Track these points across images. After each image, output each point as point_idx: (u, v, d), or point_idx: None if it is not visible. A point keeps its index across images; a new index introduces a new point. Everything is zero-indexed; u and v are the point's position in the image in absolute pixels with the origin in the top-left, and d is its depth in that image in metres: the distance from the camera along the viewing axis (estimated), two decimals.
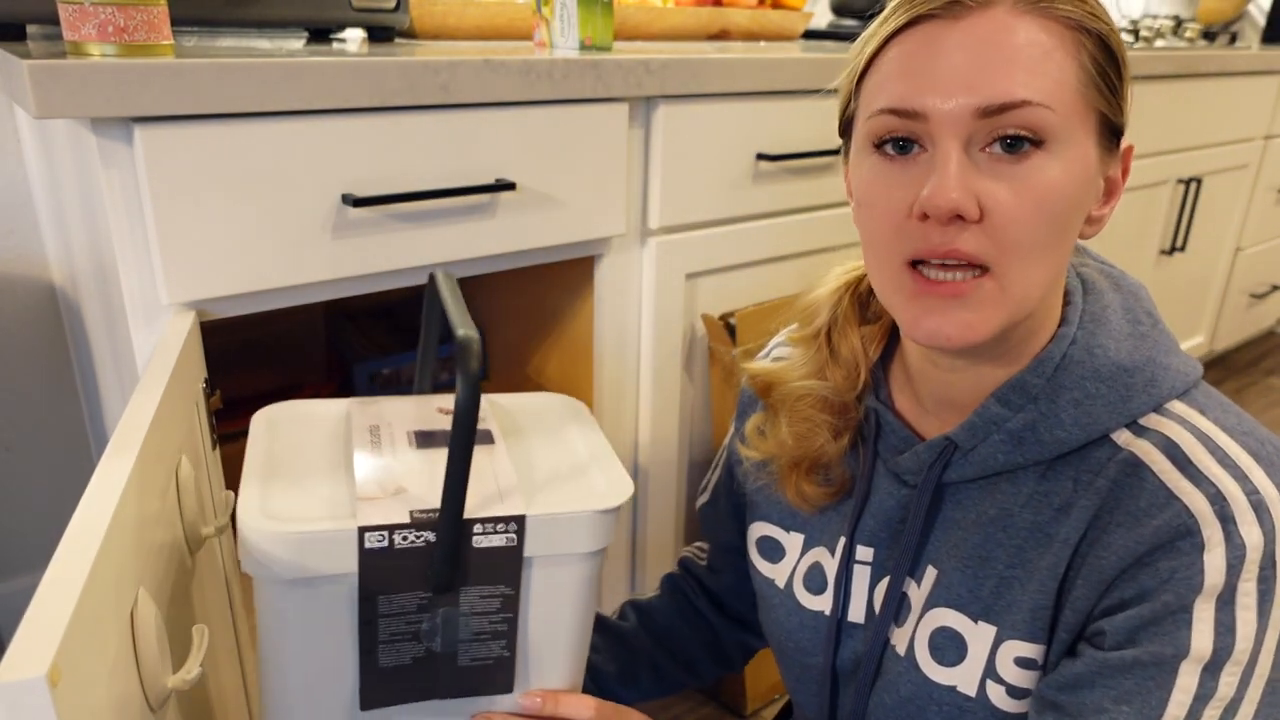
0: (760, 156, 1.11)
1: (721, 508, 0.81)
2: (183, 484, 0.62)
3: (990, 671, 0.57)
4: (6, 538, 1.27)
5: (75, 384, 1.27)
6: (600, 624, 0.83)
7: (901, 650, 0.62)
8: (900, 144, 0.51)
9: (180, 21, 0.89)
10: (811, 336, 0.66)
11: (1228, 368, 2.46)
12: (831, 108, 1.26)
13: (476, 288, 1.37)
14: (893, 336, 0.66)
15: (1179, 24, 2.22)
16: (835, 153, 1.18)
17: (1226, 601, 0.49)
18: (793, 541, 0.70)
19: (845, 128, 0.58)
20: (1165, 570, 0.50)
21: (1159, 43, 2.11)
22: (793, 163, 1.15)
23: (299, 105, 0.76)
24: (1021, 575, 0.56)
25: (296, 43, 1.01)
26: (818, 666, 0.68)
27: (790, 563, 0.70)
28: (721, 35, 1.48)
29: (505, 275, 1.25)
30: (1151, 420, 0.54)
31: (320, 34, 1.09)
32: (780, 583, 0.70)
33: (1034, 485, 0.56)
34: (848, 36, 1.72)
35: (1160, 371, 0.55)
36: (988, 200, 0.49)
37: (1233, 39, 2.41)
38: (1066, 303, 0.58)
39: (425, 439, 0.62)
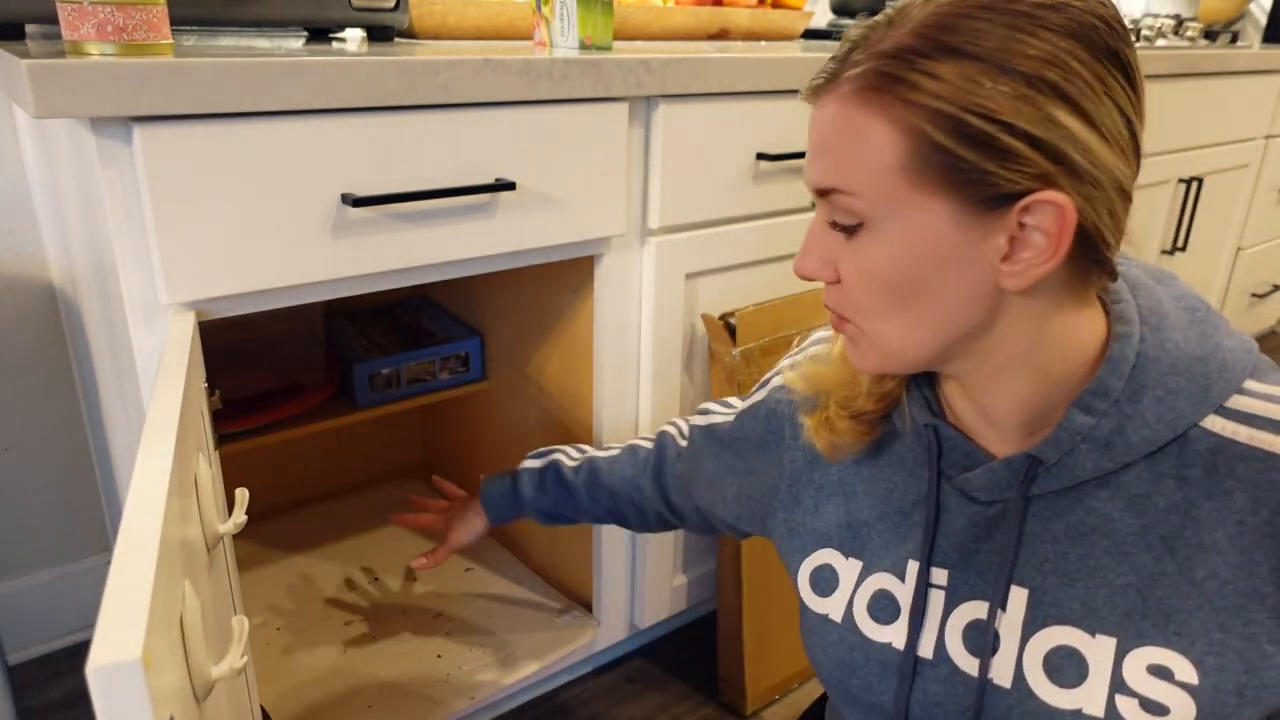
0: (760, 156, 1.11)
1: (707, 455, 0.84)
2: (200, 482, 0.63)
3: (1118, 685, 0.55)
4: (6, 538, 1.27)
5: (74, 384, 1.27)
6: (557, 472, 0.97)
7: (1006, 682, 0.59)
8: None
9: (179, 21, 0.89)
10: None
11: None
12: None
13: (477, 288, 1.37)
14: None
15: (1180, 23, 2.22)
16: None
17: None
18: (849, 569, 0.68)
19: None
20: None
21: (1160, 42, 2.11)
22: (793, 163, 1.15)
23: (299, 105, 0.76)
24: (1138, 582, 0.55)
25: (296, 42, 1.01)
26: (886, 707, 0.65)
27: (845, 592, 0.67)
28: (721, 35, 1.48)
29: (505, 275, 1.25)
30: (1242, 403, 0.54)
31: (320, 34, 1.09)
32: (837, 616, 0.67)
33: (1133, 488, 0.56)
34: None
35: (1229, 355, 0.56)
36: (839, 270, 0.56)
37: (1234, 38, 2.40)
38: (1116, 302, 0.57)
39: None
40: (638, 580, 1.23)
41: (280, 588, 1.31)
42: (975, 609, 0.61)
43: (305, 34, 1.12)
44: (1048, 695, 0.57)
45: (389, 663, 1.15)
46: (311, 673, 1.13)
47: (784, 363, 0.78)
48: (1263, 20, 2.40)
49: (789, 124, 1.13)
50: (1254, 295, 2.38)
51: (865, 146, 0.51)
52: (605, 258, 1.05)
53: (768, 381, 0.79)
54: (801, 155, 1.13)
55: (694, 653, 1.36)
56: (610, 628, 1.24)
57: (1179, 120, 1.82)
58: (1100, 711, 0.55)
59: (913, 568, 0.64)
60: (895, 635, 0.64)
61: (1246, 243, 2.24)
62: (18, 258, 1.19)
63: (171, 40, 0.74)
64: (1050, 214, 0.50)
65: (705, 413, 0.89)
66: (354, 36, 1.12)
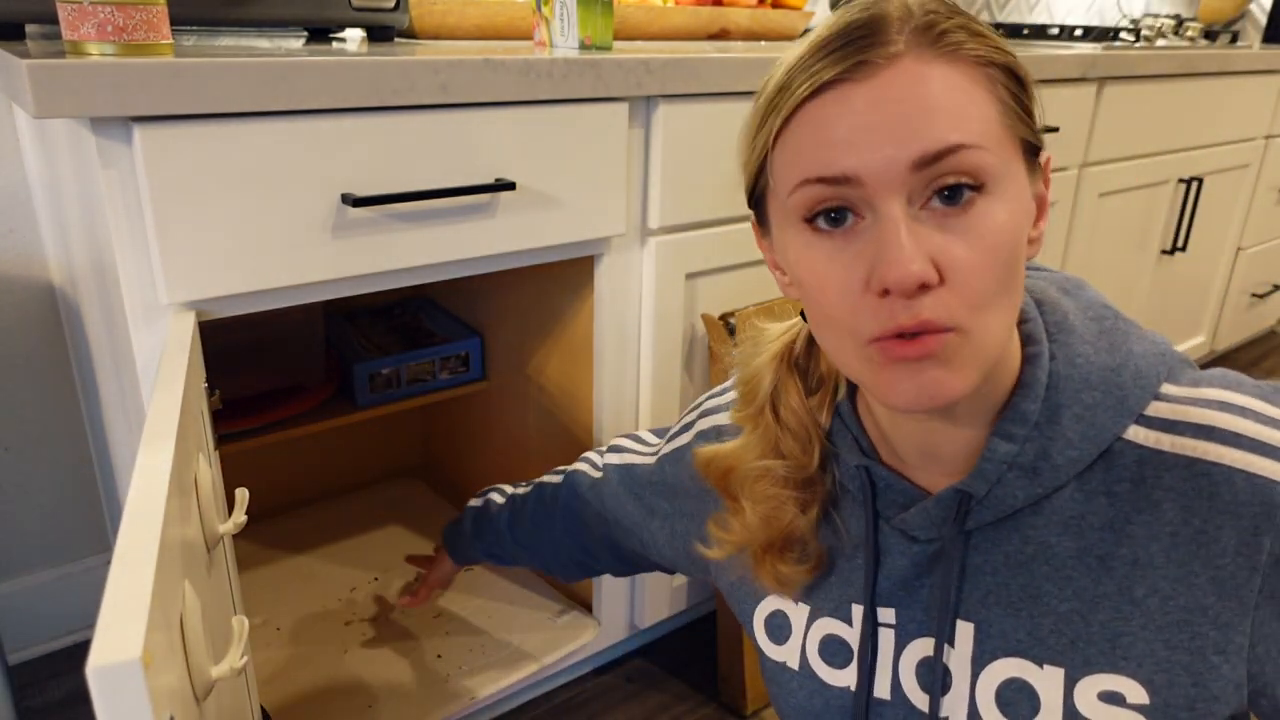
0: None
1: (625, 496, 0.83)
2: (200, 482, 0.63)
3: (1071, 715, 0.54)
4: (6, 538, 1.27)
5: (74, 384, 1.27)
6: (486, 511, 0.98)
7: (961, 719, 0.58)
8: (832, 216, 0.49)
9: (179, 21, 0.89)
10: (758, 413, 0.63)
11: (1229, 368, 2.46)
12: None
13: (476, 287, 1.37)
14: (854, 390, 0.62)
15: (1180, 23, 2.22)
16: None
17: None
18: (799, 614, 0.66)
19: (757, 200, 0.56)
20: None
21: (1160, 42, 2.11)
22: None
23: (299, 105, 0.76)
24: (1081, 607, 0.54)
25: (296, 42, 1.01)
26: None
27: (798, 639, 0.66)
28: (721, 35, 1.48)
29: (505, 275, 1.25)
30: (1161, 410, 0.53)
31: (320, 34, 1.09)
32: (794, 663, 0.66)
33: (1066, 511, 0.54)
34: None
35: (1141, 361, 0.54)
36: (944, 259, 0.47)
37: (1234, 38, 2.40)
38: (1024, 320, 0.56)
39: None
40: (638, 580, 1.23)
41: (280, 588, 1.31)
42: (925, 646, 0.59)
43: (305, 34, 1.12)
44: None
45: (389, 663, 1.15)
46: (311, 673, 1.13)
47: (706, 402, 0.75)
48: (1263, 20, 2.40)
49: None
50: (1254, 295, 2.38)
51: (972, 101, 0.47)
52: (605, 258, 1.05)
53: (691, 425, 0.76)
54: None
55: (694, 653, 1.36)
56: (610, 628, 1.24)
57: (1179, 120, 1.82)
58: None
59: (857, 611, 0.62)
60: (851, 679, 0.63)
61: (1246, 243, 2.24)
62: (18, 258, 1.19)
63: (171, 40, 0.74)
64: (1046, 173, 0.53)
65: (618, 449, 0.86)
66: (354, 36, 1.12)
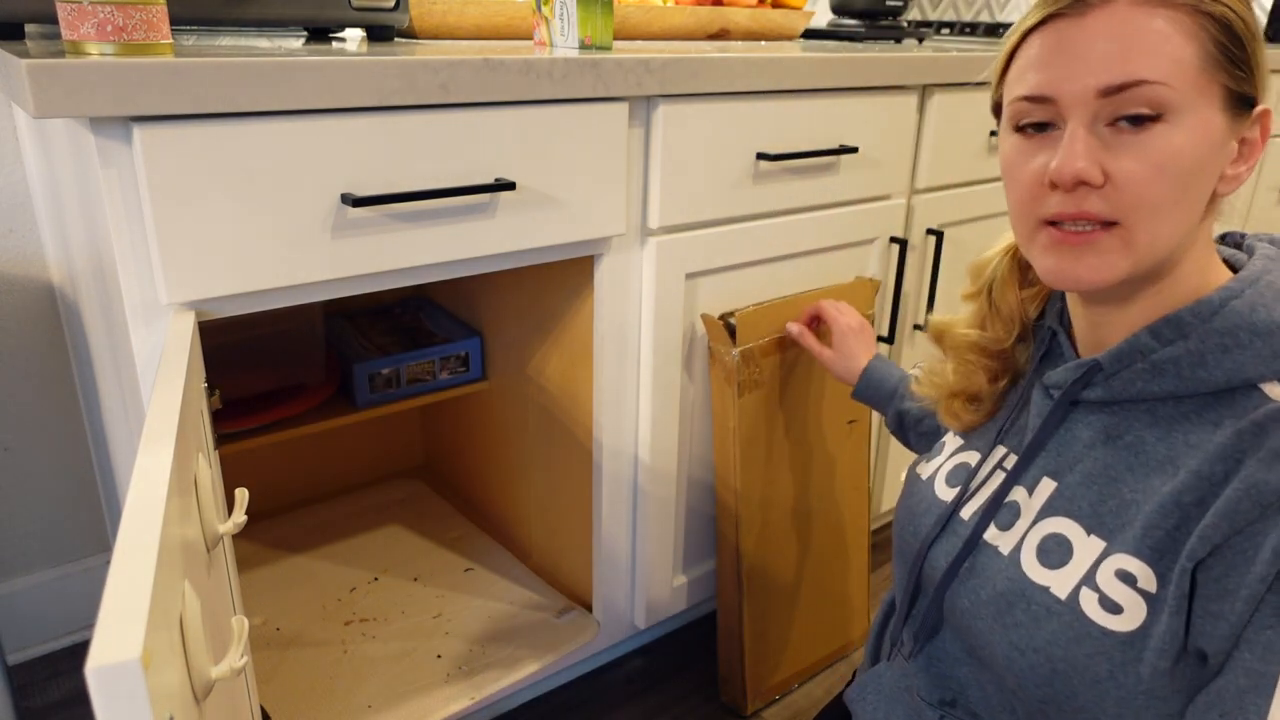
0: (760, 156, 1.11)
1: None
2: (200, 482, 0.63)
3: (1089, 580, 0.60)
4: (6, 538, 1.27)
5: (74, 384, 1.27)
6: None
7: (1005, 551, 0.66)
8: (1037, 125, 0.60)
9: (179, 21, 0.89)
10: (976, 293, 0.76)
11: None
12: (830, 107, 1.26)
13: (476, 287, 1.37)
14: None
15: None
16: (835, 152, 1.17)
17: None
18: (952, 442, 0.78)
19: (996, 109, 0.67)
20: None
21: None
22: (793, 163, 1.15)
23: (299, 105, 0.76)
24: (1142, 499, 0.60)
25: (295, 42, 1.01)
26: (916, 553, 0.73)
27: (941, 459, 0.77)
28: (721, 35, 1.48)
29: (505, 275, 1.26)
30: None
31: (319, 33, 1.09)
32: (925, 475, 0.77)
33: (1174, 422, 0.60)
34: (848, 36, 1.72)
35: None
36: (1112, 167, 0.56)
37: None
38: (1247, 268, 0.62)
39: None
40: (638, 580, 1.23)
41: (280, 588, 1.31)
42: (1019, 494, 0.68)
43: (305, 34, 1.12)
44: (1030, 570, 0.64)
45: (389, 663, 1.15)
46: (311, 673, 1.13)
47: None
48: (1263, 20, 2.40)
49: (789, 124, 1.13)
50: None
51: (1170, 44, 0.55)
52: (605, 258, 1.05)
53: None
54: (801, 155, 1.13)
55: (694, 653, 1.36)
56: (610, 628, 1.24)
57: None
58: (1064, 595, 0.61)
59: (993, 447, 0.72)
60: (951, 496, 0.73)
61: None
62: (18, 258, 1.19)
63: (171, 40, 0.74)
64: (1263, 123, 0.60)
65: None
66: (354, 36, 1.12)
